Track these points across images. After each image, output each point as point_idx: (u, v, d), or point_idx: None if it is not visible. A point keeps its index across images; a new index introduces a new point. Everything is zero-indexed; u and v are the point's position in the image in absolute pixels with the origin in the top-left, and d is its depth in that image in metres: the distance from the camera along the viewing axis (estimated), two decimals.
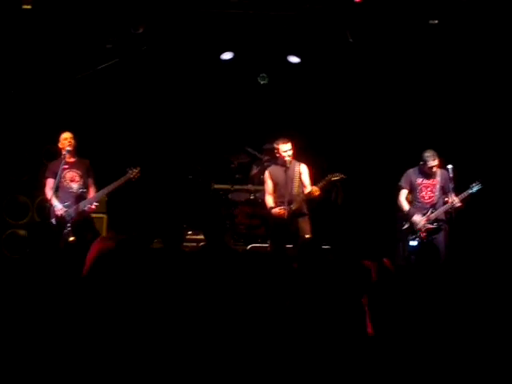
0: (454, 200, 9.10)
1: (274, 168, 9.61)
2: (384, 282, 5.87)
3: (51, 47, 10.37)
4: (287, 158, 9.27)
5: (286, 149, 9.29)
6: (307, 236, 8.99)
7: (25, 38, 10.16)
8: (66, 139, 9.34)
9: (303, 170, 9.43)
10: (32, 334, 4.81)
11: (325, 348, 4.99)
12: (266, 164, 11.00)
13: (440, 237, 9.27)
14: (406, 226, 9.40)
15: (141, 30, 10.04)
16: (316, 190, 9.17)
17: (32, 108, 10.87)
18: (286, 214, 9.14)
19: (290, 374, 4.78)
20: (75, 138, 9.38)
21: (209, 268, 6.07)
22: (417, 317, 5.16)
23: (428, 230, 9.27)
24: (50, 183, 9.25)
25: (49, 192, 9.20)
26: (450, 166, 9.15)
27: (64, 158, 9.18)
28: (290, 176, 9.31)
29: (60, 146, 9.36)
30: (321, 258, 6.62)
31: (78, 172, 9.40)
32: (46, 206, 9.20)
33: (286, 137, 9.40)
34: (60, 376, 4.58)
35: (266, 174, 9.60)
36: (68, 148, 9.29)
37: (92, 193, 9.43)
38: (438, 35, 10.06)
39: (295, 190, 9.33)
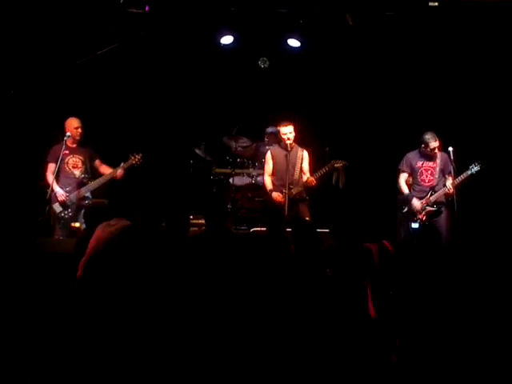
0: (448, 185, 9.15)
1: (276, 150, 9.64)
2: (385, 264, 5.89)
3: (52, 32, 10.34)
4: (288, 142, 9.30)
5: (286, 131, 9.34)
6: (306, 218, 9.03)
7: (24, 25, 10.13)
8: (77, 128, 9.36)
9: (305, 156, 9.49)
10: (32, 325, 4.85)
11: (327, 332, 5.01)
12: (261, 147, 11.01)
13: (441, 220, 9.30)
14: (405, 210, 9.43)
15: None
16: (312, 181, 9.29)
17: (32, 94, 10.85)
18: (286, 199, 9.18)
19: (291, 357, 4.81)
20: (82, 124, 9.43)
21: (209, 252, 6.09)
22: (418, 298, 5.18)
23: (428, 213, 9.29)
24: (51, 168, 9.28)
25: (50, 176, 9.24)
26: (450, 149, 9.17)
27: (65, 142, 9.20)
28: (291, 160, 9.36)
29: (69, 132, 9.36)
30: (316, 240, 6.66)
31: (81, 158, 9.43)
32: (47, 191, 9.22)
33: (288, 120, 9.44)
34: (64, 362, 4.62)
35: (268, 154, 9.65)
36: (77, 138, 9.34)
37: (107, 169, 9.47)
38: (438, 18, 10.02)
39: (296, 175, 9.39)
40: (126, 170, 9.41)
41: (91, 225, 7.47)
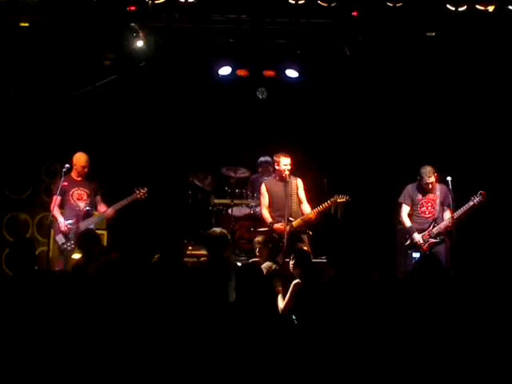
0: (449, 218, 9.14)
1: (271, 182, 9.64)
2: (385, 293, 5.86)
3: (49, 65, 10.39)
4: (287, 172, 9.31)
5: (286, 162, 9.35)
6: (305, 248, 9.02)
7: (21, 56, 10.18)
8: (84, 167, 9.42)
9: (300, 185, 9.49)
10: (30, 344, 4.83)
11: (326, 360, 4.98)
12: (255, 178, 10.97)
13: (441, 249, 9.30)
14: (408, 243, 9.44)
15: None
16: (312, 216, 9.30)
17: (32, 125, 10.88)
18: (288, 229, 9.16)
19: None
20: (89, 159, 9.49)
21: (209, 281, 6.07)
22: (419, 326, 5.15)
23: (431, 245, 9.32)
24: (55, 200, 9.31)
25: (53, 208, 9.23)
26: (449, 178, 9.18)
27: (64, 174, 9.22)
28: (288, 191, 9.34)
29: (76, 168, 9.43)
30: (313, 270, 6.66)
31: (86, 191, 9.48)
32: (48, 222, 9.23)
33: (285, 151, 9.46)
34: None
35: (263, 187, 9.63)
36: (82, 173, 9.43)
37: (103, 208, 9.50)
38: (436, 48, 10.07)
39: (294, 205, 9.37)
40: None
41: (82, 249, 7.51)
